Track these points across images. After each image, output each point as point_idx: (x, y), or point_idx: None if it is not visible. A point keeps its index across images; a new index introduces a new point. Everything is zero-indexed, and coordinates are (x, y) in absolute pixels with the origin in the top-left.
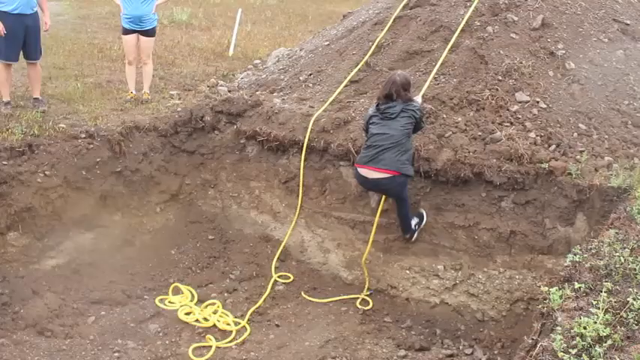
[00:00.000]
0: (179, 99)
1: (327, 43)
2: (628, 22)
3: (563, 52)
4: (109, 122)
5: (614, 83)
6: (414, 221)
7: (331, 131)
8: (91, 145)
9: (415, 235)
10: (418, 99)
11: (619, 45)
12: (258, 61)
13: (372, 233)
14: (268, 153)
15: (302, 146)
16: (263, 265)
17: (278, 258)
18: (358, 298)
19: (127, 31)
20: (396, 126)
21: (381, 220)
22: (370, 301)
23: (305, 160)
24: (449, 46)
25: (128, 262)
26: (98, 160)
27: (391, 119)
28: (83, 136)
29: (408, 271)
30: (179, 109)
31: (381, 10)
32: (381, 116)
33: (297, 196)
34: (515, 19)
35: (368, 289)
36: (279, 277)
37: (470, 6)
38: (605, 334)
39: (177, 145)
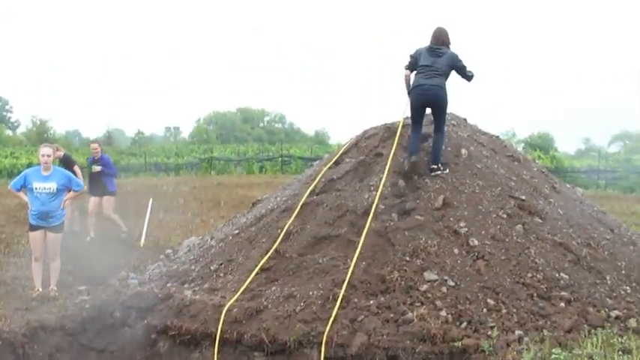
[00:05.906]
0: (87, 294)
1: (237, 231)
2: (523, 197)
3: (466, 229)
4: (12, 323)
5: (516, 257)
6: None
7: (244, 321)
8: None
9: (440, 167)
10: None
11: (517, 220)
12: (169, 251)
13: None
14: (180, 347)
15: (214, 339)
16: None
17: None
18: None
19: (33, 227)
20: (442, 62)
21: None
22: None
23: (218, 353)
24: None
25: None
26: None
27: (439, 57)
28: None
29: None
30: (87, 305)
31: (288, 196)
32: (432, 54)
33: None
34: (417, 200)
35: None
36: None
37: (373, 190)
38: None
39: (86, 344)
